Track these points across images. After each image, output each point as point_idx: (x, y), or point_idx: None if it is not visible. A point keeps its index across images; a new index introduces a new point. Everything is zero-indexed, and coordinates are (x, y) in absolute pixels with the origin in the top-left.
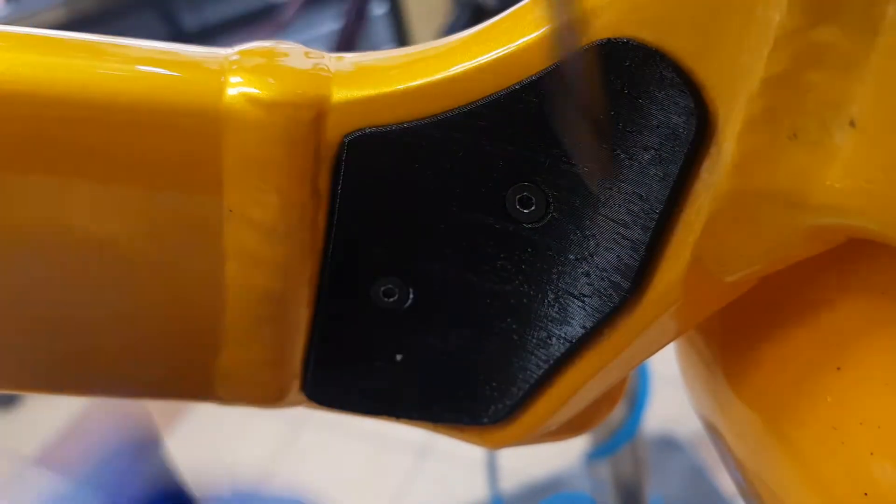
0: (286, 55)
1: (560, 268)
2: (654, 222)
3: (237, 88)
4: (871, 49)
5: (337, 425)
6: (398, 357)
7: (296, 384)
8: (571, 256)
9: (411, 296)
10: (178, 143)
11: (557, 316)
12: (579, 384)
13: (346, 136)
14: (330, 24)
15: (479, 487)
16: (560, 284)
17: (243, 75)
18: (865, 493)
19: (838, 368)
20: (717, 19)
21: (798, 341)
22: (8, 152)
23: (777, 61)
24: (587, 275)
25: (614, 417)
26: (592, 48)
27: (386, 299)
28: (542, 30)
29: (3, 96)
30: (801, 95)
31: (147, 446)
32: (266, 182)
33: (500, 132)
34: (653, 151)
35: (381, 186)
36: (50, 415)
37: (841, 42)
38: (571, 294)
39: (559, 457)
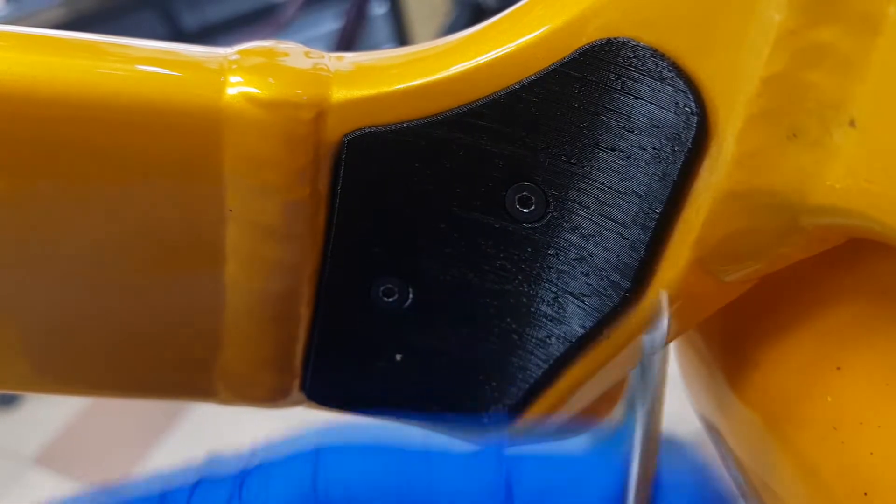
0: (286, 55)
1: (560, 267)
2: (654, 222)
3: (237, 88)
4: (871, 49)
5: None
6: (398, 357)
7: (296, 384)
8: (571, 256)
9: (411, 295)
10: (178, 143)
11: (557, 315)
12: (579, 384)
13: (345, 135)
14: (330, 24)
15: None
16: (560, 284)
17: (243, 75)
18: (865, 493)
19: (838, 368)
20: (717, 19)
21: (798, 341)
22: (7, 152)
23: (777, 61)
24: (586, 274)
25: (614, 417)
26: (590, 50)
27: (386, 299)
28: (542, 30)
29: (3, 96)
30: (801, 95)
31: None
32: (266, 182)
33: (500, 132)
34: (652, 151)
35: (380, 186)
36: (50, 415)
37: (841, 42)
38: (571, 293)
39: None
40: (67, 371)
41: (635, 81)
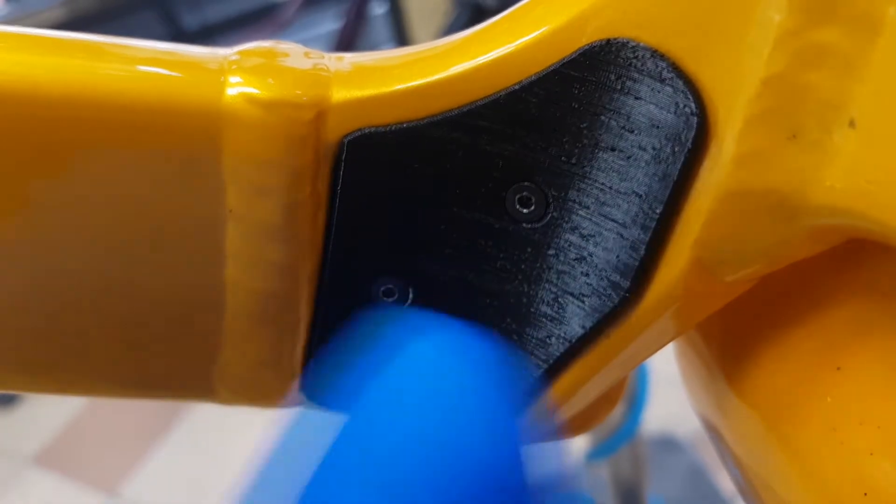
0: (286, 55)
1: (559, 267)
2: (654, 222)
3: (237, 88)
4: (871, 49)
5: None
6: None
7: (295, 384)
8: (571, 256)
9: (411, 296)
10: (177, 143)
11: (557, 315)
12: (579, 384)
13: (345, 136)
14: (330, 24)
15: None
16: (559, 284)
17: (243, 75)
18: (865, 493)
19: (838, 368)
20: (717, 20)
21: (798, 341)
22: (7, 152)
23: (777, 61)
24: (586, 274)
25: (614, 417)
26: (590, 51)
27: (385, 299)
28: (542, 30)
29: (2, 96)
30: (801, 95)
31: None
32: (266, 182)
33: (499, 132)
34: (652, 151)
35: (380, 186)
36: (50, 415)
37: (841, 42)
38: (571, 294)
39: None
40: (67, 371)
41: (635, 82)
